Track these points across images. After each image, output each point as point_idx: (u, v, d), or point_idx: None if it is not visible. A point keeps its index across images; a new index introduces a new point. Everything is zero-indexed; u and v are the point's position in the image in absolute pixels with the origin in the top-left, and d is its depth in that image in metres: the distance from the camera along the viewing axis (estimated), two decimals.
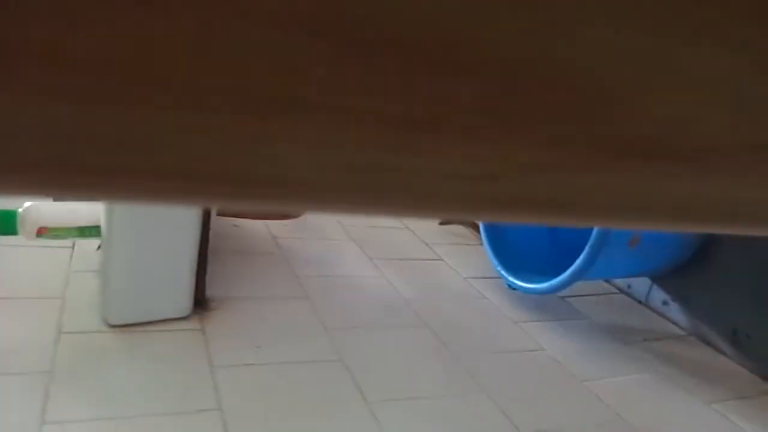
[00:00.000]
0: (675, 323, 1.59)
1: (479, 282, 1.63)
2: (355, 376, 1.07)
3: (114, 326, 1.06)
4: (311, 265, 1.53)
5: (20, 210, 1.03)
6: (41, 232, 1.04)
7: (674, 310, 1.59)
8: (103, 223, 1.03)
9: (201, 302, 1.16)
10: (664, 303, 1.62)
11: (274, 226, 1.67)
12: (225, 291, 1.26)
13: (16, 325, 1.03)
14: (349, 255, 1.65)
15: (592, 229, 1.29)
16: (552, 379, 1.23)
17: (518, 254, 1.62)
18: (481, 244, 1.72)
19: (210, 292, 1.20)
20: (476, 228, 1.94)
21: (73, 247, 1.32)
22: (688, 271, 1.52)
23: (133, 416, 0.87)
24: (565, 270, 1.35)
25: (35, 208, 1.04)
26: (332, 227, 1.82)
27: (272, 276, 1.41)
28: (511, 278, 1.50)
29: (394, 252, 1.74)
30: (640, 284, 1.69)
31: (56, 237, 1.08)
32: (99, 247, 1.26)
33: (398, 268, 1.61)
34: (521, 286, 1.46)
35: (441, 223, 1.97)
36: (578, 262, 1.26)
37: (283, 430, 0.92)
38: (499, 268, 1.55)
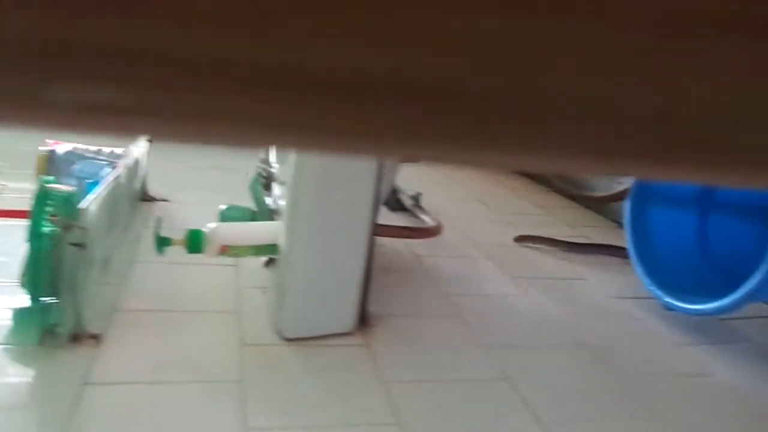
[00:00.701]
0: None
1: (628, 302, 1.56)
2: (524, 396, 1.06)
3: (289, 339, 1.11)
4: (456, 282, 1.53)
5: (206, 230, 1.12)
6: (223, 250, 1.12)
7: None
8: (283, 243, 1.10)
9: (363, 318, 1.19)
10: None
11: (414, 244, 1.69)
12: (381, 307, 1.29)
13: (202, 336, 1.12)
14: (490, 273, 1.64)
15: (759, 242, 1.20)
16: (729, 408, 1.15)
17: (666, 270, 1.53)
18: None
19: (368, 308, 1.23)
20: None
21: (236, 265, 1.41)
22: None
23: (324, 426, 0.91)
24: (719, 287, 1.26)
25: (220, 228, 1.12)
26: (466, 246, 1.82)
27: (422, 293, 1.43)
28: (668, 298, 1.42)
29: (533, 270, 1.71)
30: None
31: (235, 255, 1.16)
32: (266, 264, 1.34)
33: (541, 287, 1.58)
34: (682, 307, 1.38)
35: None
36: (756, 280, 1.17)
37: None
38: (652, 288, 1.47)
